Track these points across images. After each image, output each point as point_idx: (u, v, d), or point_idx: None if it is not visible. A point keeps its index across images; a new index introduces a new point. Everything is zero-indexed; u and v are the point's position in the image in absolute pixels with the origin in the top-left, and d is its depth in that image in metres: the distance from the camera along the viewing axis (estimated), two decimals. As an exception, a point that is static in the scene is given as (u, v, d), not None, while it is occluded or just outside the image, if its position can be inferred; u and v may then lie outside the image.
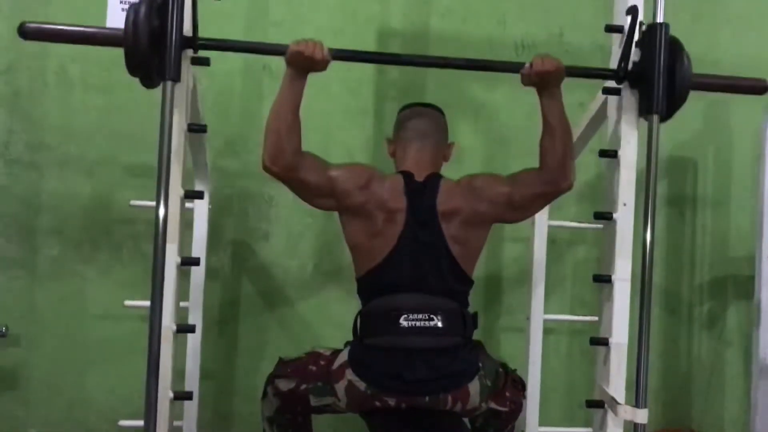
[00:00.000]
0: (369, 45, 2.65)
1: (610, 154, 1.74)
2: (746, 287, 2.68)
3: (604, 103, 1.82)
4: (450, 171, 1.96)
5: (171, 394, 1.57)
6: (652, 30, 1.63)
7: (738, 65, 2.81)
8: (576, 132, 2.03)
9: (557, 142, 1.76)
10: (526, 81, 1.75)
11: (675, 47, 1.65)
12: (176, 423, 2.06)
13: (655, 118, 1.62)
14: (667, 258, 2.80)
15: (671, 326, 2.82)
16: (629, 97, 1.71)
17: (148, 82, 1.57)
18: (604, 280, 1.72)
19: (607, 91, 1.76)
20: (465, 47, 2.69)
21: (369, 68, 2.65)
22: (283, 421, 1.87)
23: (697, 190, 2.84)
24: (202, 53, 1.67)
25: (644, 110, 1.66)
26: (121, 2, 2.49)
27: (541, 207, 2.01)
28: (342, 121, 2.62)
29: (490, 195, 1.82)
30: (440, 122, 1.96)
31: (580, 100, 2.52)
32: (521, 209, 1.86)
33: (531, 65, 1.72)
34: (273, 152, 1.70)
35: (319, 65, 1.69)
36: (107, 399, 2.49)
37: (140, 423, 1.43)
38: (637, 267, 1.63)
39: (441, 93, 2.63)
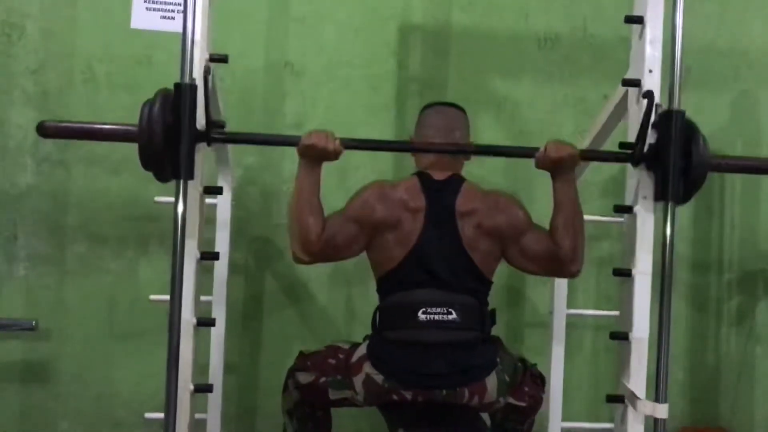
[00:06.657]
0: (390, 40, 2.65)
1: (630, 147, 1.71)
2: (776, 282, 2.63)
3: (625, 96, 1.79)
4: (471, 165, 1.96)
5: (191, 387, 1.60)
6: (668, 116, 1.58)
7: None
8: (597, 125, 2.01)
9: (569, 227, 1.75)
10: (541, 166, 1.74)
11: (691, 132, 1.60)
12: (200, 416, 2.09)
13: (671, 204, 1.59)
14: (695, 253, 2.75)
15: (699, 322, 2.77)
16: (646, 179, 1.66)
17: (162, 178, 1.55)
18: (624, 273, 1.70)
19: (627, 83, 1.74)
20: (487, 42, 2.68)
21: (390, 64, 2.65)
22: (302, 415, 1.89)
23: (724, 183, 2.78)
24: (220, 49, 1.68)
25: (660, 196, 1.62)
26: (145, 2, 2.53)
27: (541, 272, 1.88)
28: (364, 117, 2.62)
29: (508, 213, 1.82)
30: (462, 121, 1.94)
31: (605, 92, 2.52)
32: (524, 256, 1.81)
33: (545, 150, 1.71)
34: (302, 241, 1.73)
35: (332, 156, 1.71)
36: (134, 392, 2.53)
37: (165, 416, 1.47)
38: (660, 261, 1.61)
39: (463, 88, 2.62)
